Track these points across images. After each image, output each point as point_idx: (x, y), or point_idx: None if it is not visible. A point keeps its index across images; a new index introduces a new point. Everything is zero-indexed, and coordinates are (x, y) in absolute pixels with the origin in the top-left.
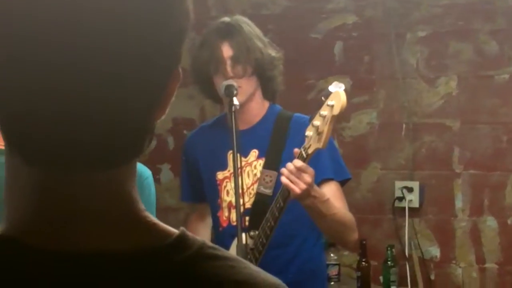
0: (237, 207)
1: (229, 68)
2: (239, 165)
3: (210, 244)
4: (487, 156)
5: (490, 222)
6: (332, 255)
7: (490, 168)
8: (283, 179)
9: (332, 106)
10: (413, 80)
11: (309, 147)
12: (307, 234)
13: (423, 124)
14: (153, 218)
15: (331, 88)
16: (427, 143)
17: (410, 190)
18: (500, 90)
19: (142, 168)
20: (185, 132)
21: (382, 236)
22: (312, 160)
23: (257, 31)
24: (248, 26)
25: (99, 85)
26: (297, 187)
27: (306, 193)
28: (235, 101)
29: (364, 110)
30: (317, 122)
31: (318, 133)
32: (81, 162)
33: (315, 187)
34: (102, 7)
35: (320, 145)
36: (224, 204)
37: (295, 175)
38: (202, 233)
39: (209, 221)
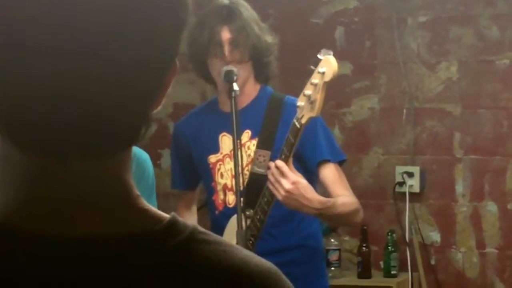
0: (237, 194)
1: (227, 53)
2: (232, 147)
3: (201, 229)
4: (488, 141)
5: (491, 207)
6: (332, 240)
7: (491, 153)
8: (269, 185)
9: (323, 73)
10: (414, 65)
11: (302, 117)
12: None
13: (424, 109)
14: (145, 204)
15: (320, 55)
16: (428, 128)
17: (411, 175)
18: (501, 75)
19: (138, 151)
20: None
21: (383, 221)
22: (309, 143)
23: (255, 15)
24: (247, 10)
25: (95, 70)
26: (278, 193)
27: (291, 201)
28: (235, 86)
29: (365, 95)
30: (308, 91)
31: (311, 101)
32: (74, 148)
33: (318, 197)
34: None
35: (313, 113)
36: (219, 187)
37: (275, 178)
38: (190, 222)
39: (194, 210)
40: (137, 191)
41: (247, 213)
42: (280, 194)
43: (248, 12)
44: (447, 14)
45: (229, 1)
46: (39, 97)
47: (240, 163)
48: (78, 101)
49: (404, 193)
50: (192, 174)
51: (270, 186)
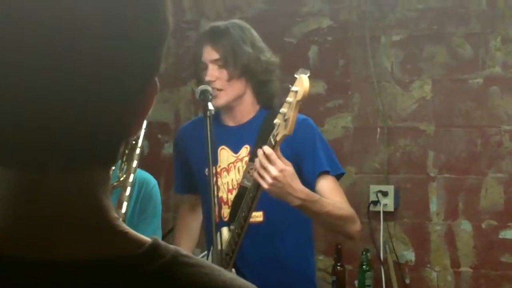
0: (212, 219)
1: (209, 71)
2: (230, 161)
3: (184, 252)
4: (461, 160)
5: (465, 226)
6: (314, 253)
7: (465, 172)
8: (254, 173)
9: (296, 92)
10: (387, 83)
11: (277, 135)
12: (296, 234)
13: (398, 128)
14: (126, 227)
15: (296, 74)
16: (402, 147)
17: (385, 194)
18: (474, 94)
19: (148, 176)
20: (159, 136)
21: (357, 240)
22: (308, 156)
23: (250, 35)
24: (239, 30)
25: (70, 85)
26: (264, 181)
27: (276, 189)
28: (210, 106)
29: (339, 114)
30: (284, 109)
31: (285, 119)
32: (53, 161)
33: (303, 188)
34: (79, 7)
35: (286, 131)
36: (212, 202)
37: (263, 165)
38: (192, 226)
39: (199, 214)
40: (115, 213)
41: (231, 227)
42: (266, 182)
43: (239, 31)
44: (421, 32)
45: (226, 22)
46: (16, 112)
47: (213, 189)
48: (53, 116)
49: (378, 212)
50: (192, 179)
51: (255, 175)
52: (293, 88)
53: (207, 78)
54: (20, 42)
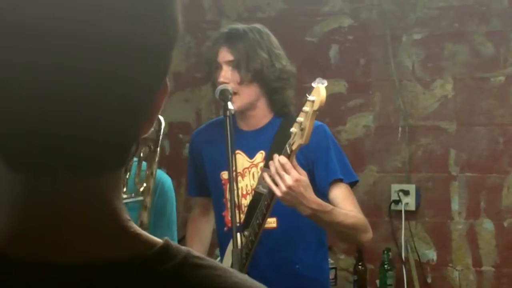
0: (233, 220)
1: (222, 73)
2: (245, 166)
3: (195, 253)
4: (483, 158)
5: (487, 225)
6: (328, 259)
7: (487, 170)
8: (267, 179)
9: (312, 102)
10: (409, 82)
11: (293, 144)
12: (309, 240)
13: (419, 126)
14: (137, 228)
15: (314, 83)
16: (423, 145)
17: (406, 193)
18: (496, 92)
19: (163, 176)
20: (180, 136)
21: (379, 239)
22: (321, 163)
23: (266, 41)
24: (258, 34)
25: (82, 87)
26: (278, 190)
27: (290, 198)
28: (230, 105)
29: (360, 113)
30: (300, 118)
31: (301, 129)
32: (65, 167)
33: (315, 198)
34: (91, 6)
35: (302, 141)
36: (229, 204)
37: (278, 173)
38: (204, 229)
39: (211, 217)
40: (127, 215)
41: (245, 233)
42: (280, 190)
43: (257, 36)
44: (442, 31)
45: (242, 25)
46: (27, 113)
47: (233, 189)
48: (65, 118)
49: (400, 211)
50: (206, 182)
51: (269, 182)
52: (310, 98)
53: (220, 80)
54: (31, 41)
